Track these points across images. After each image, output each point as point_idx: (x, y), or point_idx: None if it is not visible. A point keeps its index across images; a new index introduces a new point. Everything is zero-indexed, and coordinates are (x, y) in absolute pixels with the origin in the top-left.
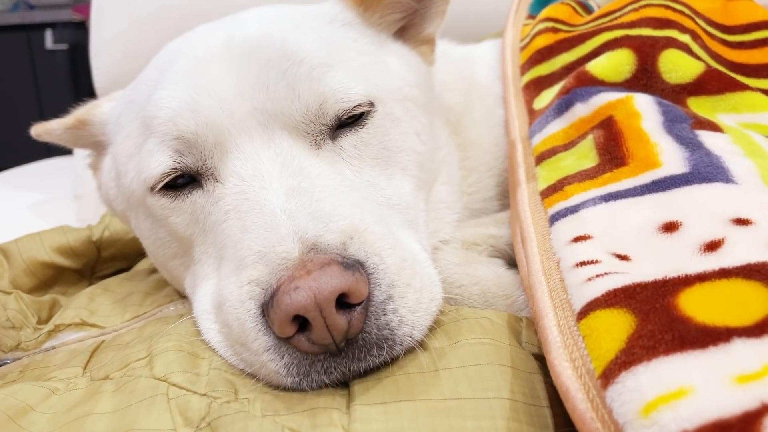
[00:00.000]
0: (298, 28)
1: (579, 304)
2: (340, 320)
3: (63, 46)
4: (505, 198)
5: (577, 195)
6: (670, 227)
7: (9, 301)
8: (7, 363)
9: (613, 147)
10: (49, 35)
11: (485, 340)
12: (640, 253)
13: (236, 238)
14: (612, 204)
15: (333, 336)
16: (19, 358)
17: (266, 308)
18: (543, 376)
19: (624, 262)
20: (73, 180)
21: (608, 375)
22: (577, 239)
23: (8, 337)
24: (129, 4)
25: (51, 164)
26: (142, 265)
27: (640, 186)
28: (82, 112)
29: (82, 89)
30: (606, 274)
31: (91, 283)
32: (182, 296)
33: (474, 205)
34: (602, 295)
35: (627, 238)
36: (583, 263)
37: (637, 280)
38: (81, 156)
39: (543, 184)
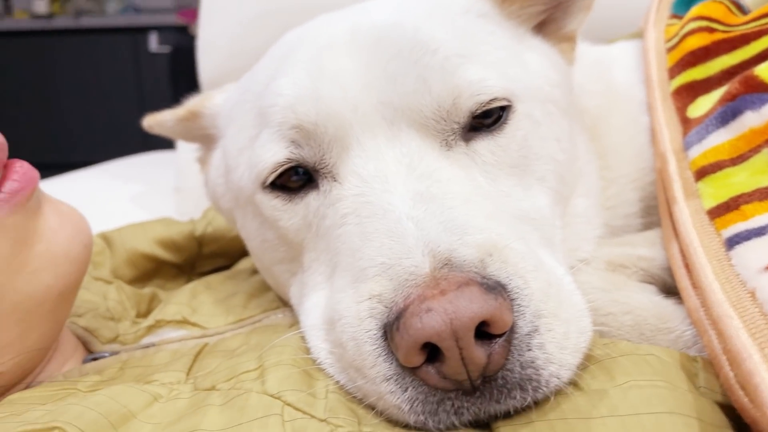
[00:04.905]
0: (430, 17)
1: None
2: (478, 353)
3: (166, 49)
4: (649, 215)
5: (759, 216)
6: None
7: (110, 291)
8: (105, 357)
9: None
10: (153, 38)
11: (658, 383)
12: None
13: (354, 246)
14: None
15: (469, 371)
16: (117, 352)
17: (389, 330)
18: None
19: None
20: (174, 173)
21: None
22: None
23: (107, 328)
24: (239, 1)
25: (151, 158)
26: (243, 265)
27: None
28: (194, 103)
29: (182, 92)
30: None
31: (189, 279)
32: (286, 303)
33: (614, 222)
34: None
35: None
36: None
37: None
38: (183, 150)
39: (710, 202)
